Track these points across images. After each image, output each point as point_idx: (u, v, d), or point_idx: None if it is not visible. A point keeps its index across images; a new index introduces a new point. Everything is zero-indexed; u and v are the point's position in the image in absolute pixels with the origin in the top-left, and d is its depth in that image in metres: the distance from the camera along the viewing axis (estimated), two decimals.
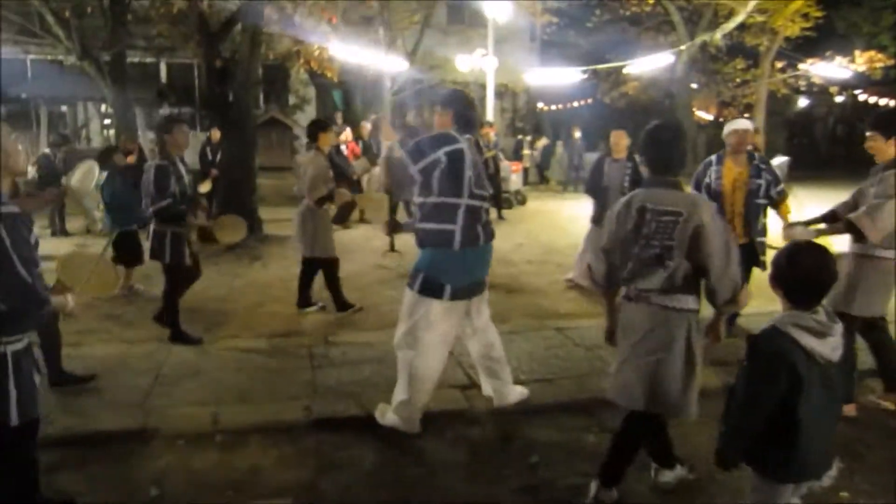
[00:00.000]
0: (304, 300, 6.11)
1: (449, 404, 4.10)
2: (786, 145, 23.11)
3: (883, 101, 20.08)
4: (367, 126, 12.84)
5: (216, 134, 10.95)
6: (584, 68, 16.80)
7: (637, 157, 6.42)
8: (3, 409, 2.39)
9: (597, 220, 6.66)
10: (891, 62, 17.89)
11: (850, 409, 3.65)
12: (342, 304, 6.02)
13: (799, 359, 2.09)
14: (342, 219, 10.37)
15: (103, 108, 17.90)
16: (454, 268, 3.56)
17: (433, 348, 3.62)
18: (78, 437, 3.64)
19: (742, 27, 17.23)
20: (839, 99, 23.07)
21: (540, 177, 19.55)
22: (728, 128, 5.18)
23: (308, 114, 17.89)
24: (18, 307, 2.33)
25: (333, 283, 6.06)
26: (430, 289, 3.56)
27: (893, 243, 3.74)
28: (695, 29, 18.53)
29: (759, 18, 16.72)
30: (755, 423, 2.15)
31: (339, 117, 12.47)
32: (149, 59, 16.66)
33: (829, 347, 2.14)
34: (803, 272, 2.18)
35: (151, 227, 5.03)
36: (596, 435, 3.77)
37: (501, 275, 7.35)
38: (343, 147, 11.79)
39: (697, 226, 2.75)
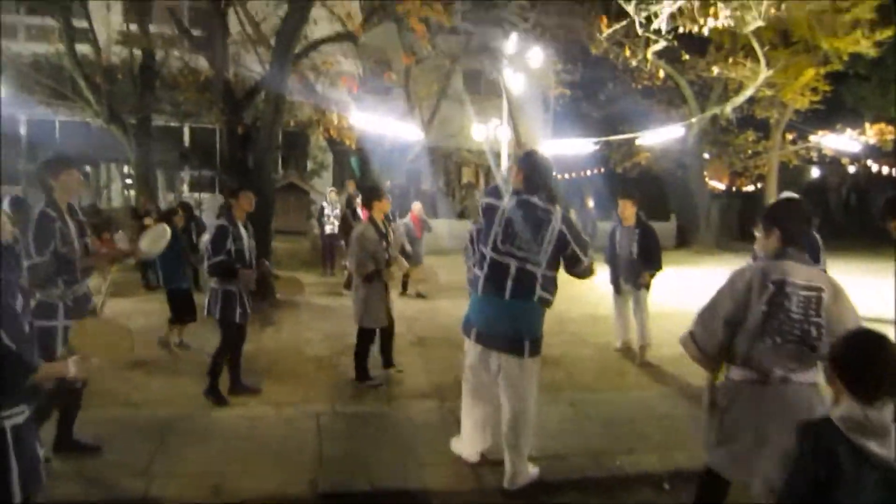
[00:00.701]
0: (361, 373, 5.86)
1: (456, 482, 3.98)
2: None
3: None
4: None
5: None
6: (597, 139, 17.08)
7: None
8: (4, 486, 2.28)
9: (616, 286, 6.98)
10: None
11: None
12: (362, 374, 5.84)
13: (846, 457, 1.94)
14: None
15: (126, 169, 18.38)
16: (477, 311, 3.93)
17: (469, 389, 4.06)
18: None
19: (752, 100, 17.53)
20: (852, 169, 23.19)
21: None
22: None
23: (325, 179, 18.27)
24: (4, 376, 2.26)
25: (362, 352, 5.87)
26: (465, 327, 4.02)
27: None
28: (705, 102, 18.88)
29: (769, 92, 17.02)
30: None
31: (350, 185, 12.69)
32: (173, 123, 17.18)
33: (891, 448, 1.96)
34: (861, 360, 2.04)
35: (210, 284, 5.36)
36: None
37: None
38: (358, 211, 12.02)
39: (839, 304, 2.70)
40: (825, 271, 4.96)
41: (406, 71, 15.21)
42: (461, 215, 21.48)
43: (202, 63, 11.21)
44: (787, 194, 5.24)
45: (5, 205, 3.74)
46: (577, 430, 4.82)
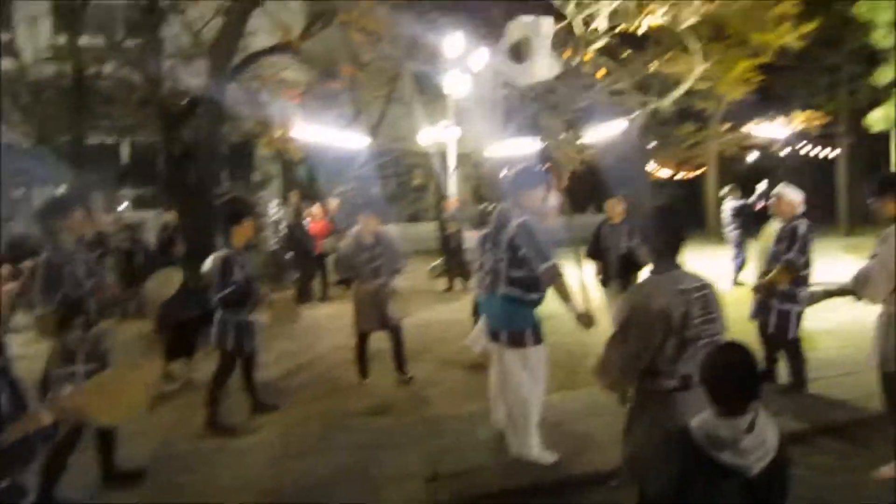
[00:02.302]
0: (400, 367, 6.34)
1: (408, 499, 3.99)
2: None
3: (823, 153, 21.31)
4: (333, 203, 12.91)
5: None
6: (542, 137, 17.31)
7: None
8: None
9: (605, 281, 7.32)
10: (826, 120, 19.18)
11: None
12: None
13: (702, 466, 2.03)
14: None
15: (61, 190, 17.68)
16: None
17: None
18: None
19: (690, 93, 18.04)
20: (785, 152, 24.16)
21: None
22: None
23: (272, 191, 17.94)
24: None
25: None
26: None
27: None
28: (646, 96, 19.33)
29: (705, 85, 17.58)
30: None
31: (294, 195, 12.47)
32: (110, 140, 16.61)
33: (746, 458, 2.04)
34: (721, 374, 2.11)
35: (217, 315, 5.24)
36: None
37: (466, 349, 7.30)
38: (306, 222, 11.83)
39: (716, 294, 2.81)
40: (791, 259, 5.26)
41: (352, 77, 15.10)
42: (413, 218, 21.47)
43: (138, 77, 10.86)
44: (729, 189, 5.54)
45: None
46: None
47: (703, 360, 2.24)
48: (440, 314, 9.60)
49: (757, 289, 5.55)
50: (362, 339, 6.31)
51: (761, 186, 10.81)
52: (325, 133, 14.11)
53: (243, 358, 5.43)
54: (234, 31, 8.79)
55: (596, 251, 7.39)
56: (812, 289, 4.19)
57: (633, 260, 6.84)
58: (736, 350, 2.17)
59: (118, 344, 4.35)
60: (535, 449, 4.28)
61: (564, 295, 4.17)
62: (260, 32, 10.72)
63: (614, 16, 14.51)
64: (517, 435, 4.28)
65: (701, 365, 2.25)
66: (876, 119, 11.42)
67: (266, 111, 12.37)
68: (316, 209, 12.26)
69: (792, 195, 5.51)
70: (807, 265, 5.35)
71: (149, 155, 17.88)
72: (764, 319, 5.50)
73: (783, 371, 5.69)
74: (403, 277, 9.16)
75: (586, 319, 4.16)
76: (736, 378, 2.10)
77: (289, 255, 11.77)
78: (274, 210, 13.69)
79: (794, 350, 5.52)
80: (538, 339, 4.27)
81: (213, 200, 10.87)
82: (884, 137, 11.97)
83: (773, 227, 5.62)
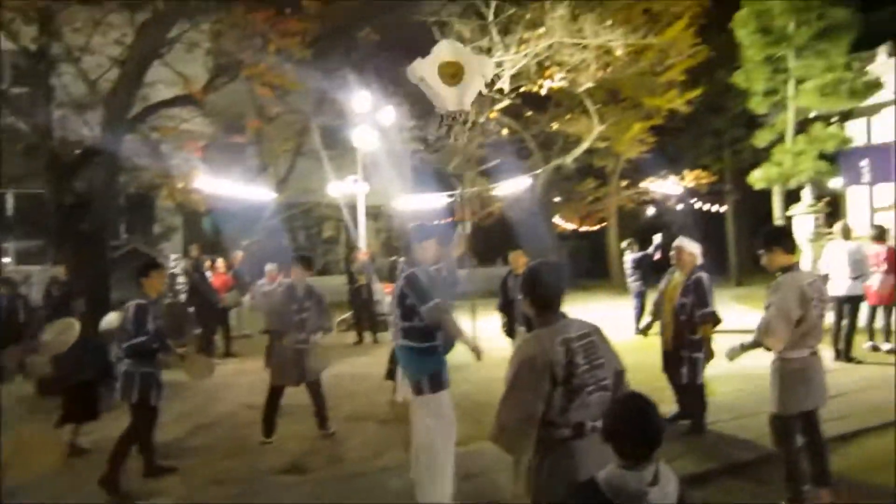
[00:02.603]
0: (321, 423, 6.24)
1: None
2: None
3: (714, 208, 22.95)
4: (238, 255, 12.60)
5: None
6: (450, 192, 17.71)
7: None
8: None
9: (510, 332, 7.52)
10: (714, 179, 20.82)
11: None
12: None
13: None
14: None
15: None
16: None
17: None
18: None
19: (590, 151, 19.06)
20: (679, 207, 25.78)
21: None
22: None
23: (175, 243, 17.28)
24: None
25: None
26: None
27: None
28: (549, 153, 20.26)
29: (603, 144, 18.65)
30: None
31: (194, 248, 12.09)
32: None
33: None
34: (624, 425, 2.16)
35: (122, 367, 5.15)
36: None
37: (377, 403, 7.19)
38: (209, 274, 11.45)
39: (603, 339, 2.86)
40: (714, 311, 5.60)
41: (258, 130, 14.99)
42: (322, 272, 21.19)
43: (26, 125, 10.31)
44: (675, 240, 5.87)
45: None
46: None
47: (606, 413, 2.28)
48: (351, 368, 9.43)
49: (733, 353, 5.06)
50: (276, 393, 6.13)
51: (657, 239, 11.45)
52: (230, 185, 13.84)
53: (149, 414, 5.23)
54: (132, 81, 8.55)
55: (506, 303, 7.63)
56: (731, 346, 4.39)
57: None
58: (636, 401, 2.21)
59: None
60: (444, 499, 4.22)
61: (454, 330, 4.30)
62: (161, 83, 10.48)
63: (517, 77, 15.23)
64: (423, 483, 4.26)
65: (604, 417, 2.29)
66: (757, 178, 12.38)
67: (167, 162, 12.00)
68: (219, 262, 11.93)
69: (691, 247, 5.87)
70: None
71: (38, 206, 16.90)
72: (676, 369, 5.76)
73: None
74: None
75: (479, 352, 4.42)
76: (638, 429, 2.14)
77: (191, 308, 11.31)
78: (174, 263, 13.16)
79: (699, 395, 5.82)
80: (437, 387, 4.29)
81: (109, 253, 10.35)
82: (767, 194, 12.97)
83: (677, 279, 5.92)
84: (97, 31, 10.20)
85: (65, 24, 9.67)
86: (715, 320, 5.63)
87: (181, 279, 12.73)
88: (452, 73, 4.88)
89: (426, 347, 4.30)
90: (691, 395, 5.83)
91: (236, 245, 14.25)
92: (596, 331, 2.89)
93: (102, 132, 9.04)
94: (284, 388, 6.15)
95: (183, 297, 12.29)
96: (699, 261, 5.85)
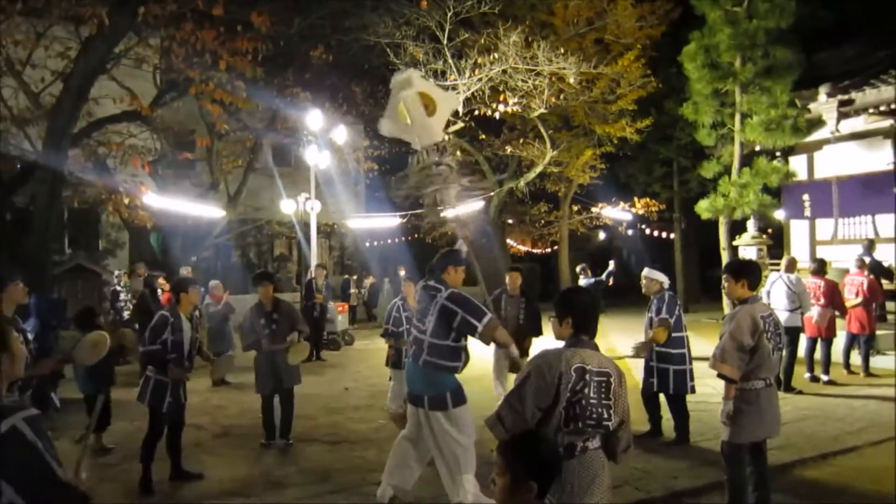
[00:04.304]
0: (283, 432, 6.52)
1: None
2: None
3: (663, 235, 23.49)
4: (185, 272, 12.26)
5: None
6: (403, 213, 17.69)
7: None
8: None
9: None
10: (663, 206, 21.35)
11: None
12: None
13: None
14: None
15: None
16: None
17: (403, 436, 4.85)
18: None
19: (543, 175, 19.32)
20: (630, 232, 26.31)
21: (368, 315, 19.66)
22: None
23: (121, 259, 16.77)
24: None
25: None
26: None
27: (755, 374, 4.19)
28: (503, 176, 20.47)
29: (556, 169, 18.94)
30: None
31: (139, 267, 11.79)
32: None
33: None
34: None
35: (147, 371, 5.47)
36: None
37: (324, 424, 7.12)
38: (159, 292, 11.12)
39: (621, 386, 2.94)
40: (667, 318, 6.06)
41: (209, 146, 14.70)
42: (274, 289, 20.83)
43: None
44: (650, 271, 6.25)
45: None
46: None
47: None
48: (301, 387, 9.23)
49: (638, 349, 6.29)
50: (265, 401, 6.55)
51: (611, 266, 11.77)
52: (179, 202, 13.52)
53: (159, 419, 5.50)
54: (77, 96, 8.28)
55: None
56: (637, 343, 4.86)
57: (529, 329, 7.50)
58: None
59: None
60: (471, 495, 4.44)
61: (506, 341, 4.54)
62: (107, 98, 10.18)
63: (471, 101, 15.38)
64: (452, 488, 4.49)
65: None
66: (703, 208, 12.68)
67: (113, 178, 11.64)
68: (161, 280, 11.58)
69: (657, 276, 6.48)
70: (679, 326, 6.23)
71: None
72: (646, 379, 6.35)
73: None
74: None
75: (518, 364, 4.50)
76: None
77: (136, 325, 10.94)
78: (115, 279, 12.75)
79: (679, 406, 6.27)
80: (461, 401, 4.58)
81: (52, 269, 9.97)
82: (714, 223, 13.31)
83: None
84: (40, 43, 9.87)
85: (6, 36, 9.33)
86: (668, 325, 6.11)
87: (123, 296, 12.36)
88: (425, 104, 4.92)
89: (453, 366, 4.57)
90: (673, 404, 6.33)
91: (184, 262, 13.88)
92: (618, 374, 2.96)
93: (45, 147, 8.73)
94: (271, 396, 6.51)
95: (126, 314, 11.93)
96: (665, 286, 6.47)
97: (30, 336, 5.76)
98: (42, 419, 2.21)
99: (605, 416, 2.87)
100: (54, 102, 8.77)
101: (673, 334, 6.16)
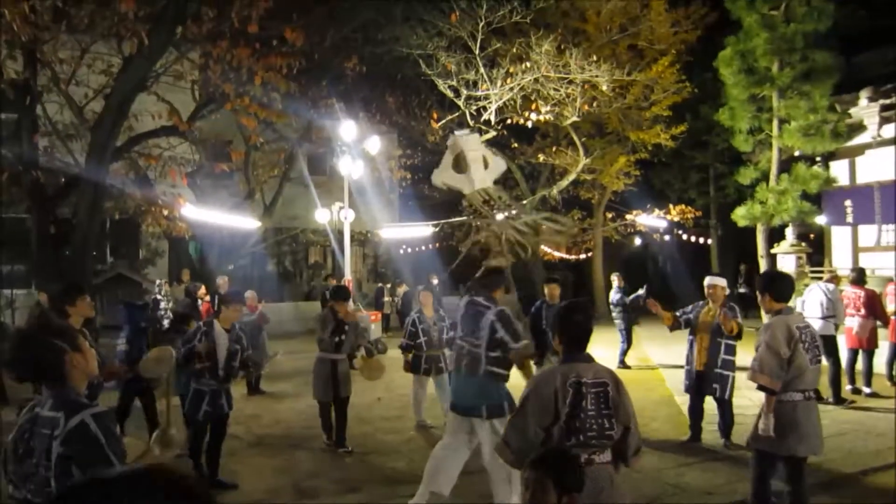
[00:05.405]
0: (339, 441, 6.74)
1: None
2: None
3: (701, 240, 23.12)
4: (221, 281, 12.49)
5: None
6: (436, 222, 17.74)
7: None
8: None
9: (540, 360, 7.61)
10: (699, 213, 20.95)
11: None
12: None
13: None
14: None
15: None
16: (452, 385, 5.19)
17: (444, 445, 4.94)
18: None
19: (576, 183, 19.18)
20: (667, 238, 25.94)
21: (401, 323, 19.72)
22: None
23: (160, 268, 17.18)
24: None
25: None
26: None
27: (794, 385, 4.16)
28: (536, 184, 20.37)
29: (589, 176, 18.77)
30: None
31: (185, 274, 12.04)
32: None
33: None
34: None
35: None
36: None
37: (355, 434, 7.12)
38: (199, 303, 11.33)
39: (620, 393, 2.96)
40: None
41: (245, 156, 15.00)
42: (307, 297, 21.08)
43: (10, 153, 10.27)
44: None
45: None
46: None
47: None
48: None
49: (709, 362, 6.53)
50: (322, 407, 6.89)
51: (641, 291, 11.56)
52: (217, 212, 13.80)
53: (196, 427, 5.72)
54: (118, 112, 8.55)
55: (536, 330, 7.94)
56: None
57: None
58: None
59: None
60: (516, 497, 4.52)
61: (527, 373, 4.73)
62: (147, 112, 10.48)
63: (503, 109, 15.37)
64: (503, 489, 4.64)
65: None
66: (740, 215, 12.45)
67: (153, 190, 11.95)
68: (203, 290, 11.83)
69: (721, 283, 6.76)
70: (739, 333, 6.44)
71: (23, 229, 16.76)
72: (709, 385, 6.53)
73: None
74: (298, 358, 9.07)
75: None
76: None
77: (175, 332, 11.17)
78: (156, 288, 13.05)
79: (730, 409, 6.59)
80: (513, 407, 4.64)
81: (92, 278, 10.27)
82: (751, 229, 13.05)
83: (712, 308, 6.65)
84: (83, 60, 10.21)
85: (52, 54, 9.68)
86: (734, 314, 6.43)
87: (164, 305, 12.63)
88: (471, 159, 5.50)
89: (507, 374, 4.81)
90: (723, 408, 6.59)
91: (221, 271, 14.16)
92: (615, 382, 3.00)
93: (87, 161, 9.02)
94: (330, 403, 6.80)
95: (166, 322, 12.17)
96: (727, 291, 6.80)
97: (122, 343, 6.49)
98: (109, 415, 2.43)
99: (607, 425, 2.90)
100: (97, 119, 9.05)
101: (731, 342, 6.46)
